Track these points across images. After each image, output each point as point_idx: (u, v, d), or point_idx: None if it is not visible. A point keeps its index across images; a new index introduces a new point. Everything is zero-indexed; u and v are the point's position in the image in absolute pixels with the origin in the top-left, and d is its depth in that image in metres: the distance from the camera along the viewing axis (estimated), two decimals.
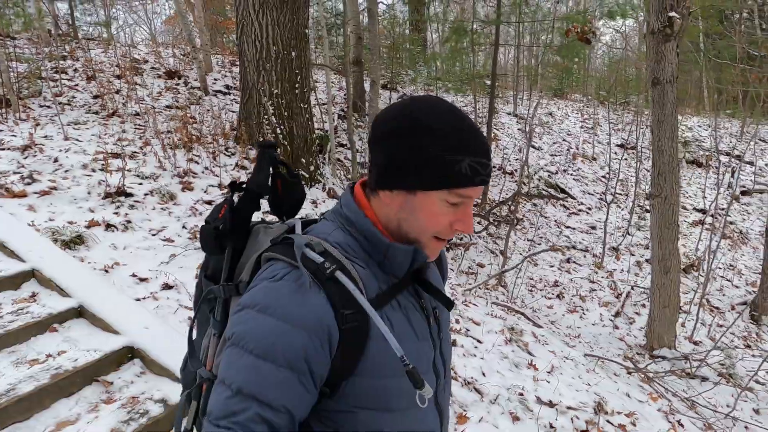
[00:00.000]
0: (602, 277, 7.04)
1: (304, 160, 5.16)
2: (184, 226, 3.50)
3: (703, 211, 10.63)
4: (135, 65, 7.41)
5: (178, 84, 7.34)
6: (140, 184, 3.89)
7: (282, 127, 4.98)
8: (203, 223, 0.86)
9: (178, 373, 2.20)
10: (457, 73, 10.06)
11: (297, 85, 5.05)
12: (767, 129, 15.47)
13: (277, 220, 0.93)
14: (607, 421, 2.88)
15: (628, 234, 8.94)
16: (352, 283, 0.69)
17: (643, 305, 6.39)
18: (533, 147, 11.01)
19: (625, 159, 11.85)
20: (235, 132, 5.35)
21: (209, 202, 3.91)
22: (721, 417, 4.02)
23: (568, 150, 11.31)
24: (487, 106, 11.51)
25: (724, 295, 7.68)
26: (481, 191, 0.78)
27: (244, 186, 0.88)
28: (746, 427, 4.11)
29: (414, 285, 0.82)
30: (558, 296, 6.14)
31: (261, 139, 4.79)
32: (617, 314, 5.95)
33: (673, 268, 4.78)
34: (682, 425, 3.21)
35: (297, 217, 0.91)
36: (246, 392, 0.64)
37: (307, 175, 5.16)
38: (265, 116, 4.95)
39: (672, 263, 4.77)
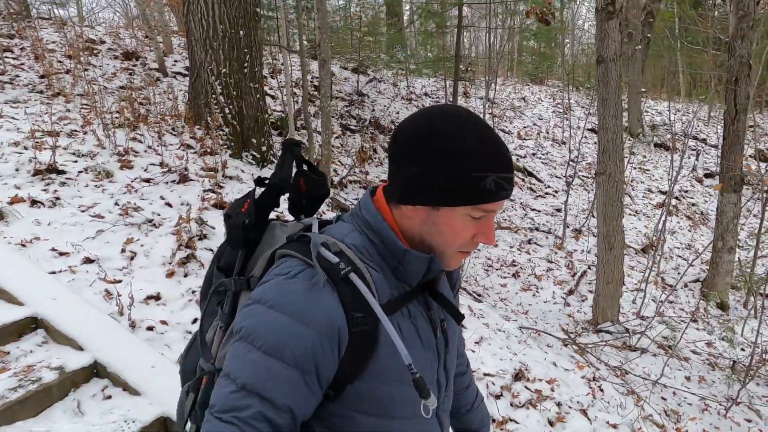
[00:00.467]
0: (561, 257, 7.15)
1: (254, 140, 5.13)
2: (116, 203, 3.48)
3: (663, 193, 10.84)
4: (90, 46, 7.27)
5: (135, 65, 7.22)
6: (75, 162, 3.85)
7: (230, 107, 4.95)
8: (226, 218, 0.85)
9: (83, 342, 2.21)
10: (423, 56, 10.03)
11: (246, 65, 5.01)
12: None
13: (293, 219, 0.92)
14: (525, 387, 2.96)
15: (592, 216, 9.08)
16: (366, 287, 0.68)
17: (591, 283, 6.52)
18: (503, 131, 11.07)
19: (595, 143, 11.98)
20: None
21: (147, 180, 3.88)
22: (650, 384, 4.15)
23: (538, 134, 11.40)
24: (461, 89, 11.53)
25: (678, 273, 7.86)
26: (503, 204, 0.79)
27: (267, 181, 0.87)
28: (674, 393, 4.26)
29: (425, 295, 0.81)
30: (514, 275, 6.23)
31: (209, 118, 4.79)
32: (570, 292, 6.07)
33: (617, 245, 4.87)
34: (602, 390, 3.31)
35: (314, 216, 0.90)
36: (250, 388, 0.63)
37: (258, 156, 5.15)
38: (213, 96, 4.91)
39: (616, 240, 4.87)
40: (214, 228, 3.45)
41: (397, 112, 9.62)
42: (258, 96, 5.21)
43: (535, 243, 7.49)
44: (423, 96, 10.98)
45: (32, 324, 2.28)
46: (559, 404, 2.90)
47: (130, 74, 6.78)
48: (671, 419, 3.61)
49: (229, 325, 0.80)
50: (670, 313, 6.47)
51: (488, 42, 12.34)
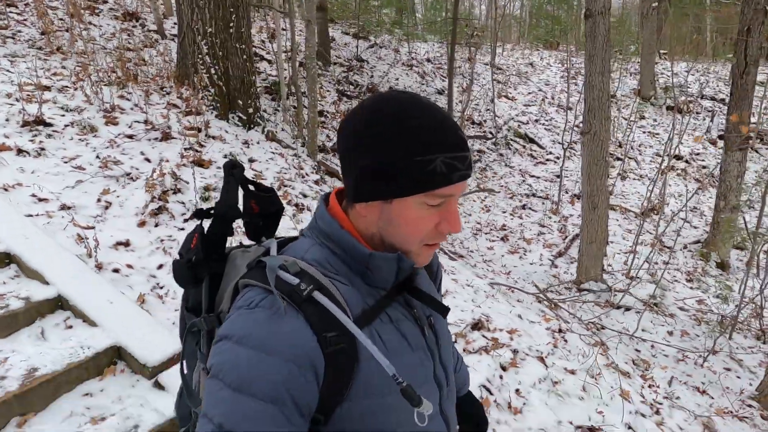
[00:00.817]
0: (554, 222, 7.14)
1: (241, 102, 5.19)
2: (98, 156, 3.61)
3: (678, 157, 10.60)
4: (92, 5, 7.35)
5: (135, 26, 7.29)
6: (63, 116, 3.97)
7: (216, 67, 5.00)
8: (176, 258, 0.81)
9: (49, 277, 2.36)
10: (426, 20, 9.85)
11: (232, 24, 5.02)
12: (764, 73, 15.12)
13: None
14: (482, 336, 3.05)
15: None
16: (333, 303, 0.65)
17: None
18: (507, 98, 10.89)
19: None
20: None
21: (131, 137, 3.99)
22: (625, 337, 4.20)
23: (543, 100, 11.18)
24: (466, 55, 11.33)
25: (680, 235, 7.78)
26: (465, 186, 0.71)
27: (213, 212, 0.83)
28: (652, 346, 4.31)
29: (404, 295, 0.78)
30: (502, 239, 6.27)
31: (195, 78, 4.84)
32: (560, 254, 6.08)
33: (601, 204, 4.85)
34: (566, 340, 3.37)
35: (275, 236, 0.87)
36: (228, 428, 0.60)
37: (244, 117, 5.21)
38: (199, 56, 4.96)
39: (599, 199, 4.85)
40: (187, 183, 3.56)
41: (397, 78, 9.54)
42: (245, 57, 5.23)
43: (530, 208, 7.48)
44: (425, 62, 10.83)
45: (6, 259, 2.43)
46: (515, 351, 2.99)
47: (129, 35, 6.86)
48: (639, 368, 3.68)
49: None
50: (665, 274, 6.46)
51: (494, 4, 12.02)
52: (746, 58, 6.34)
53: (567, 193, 8.27)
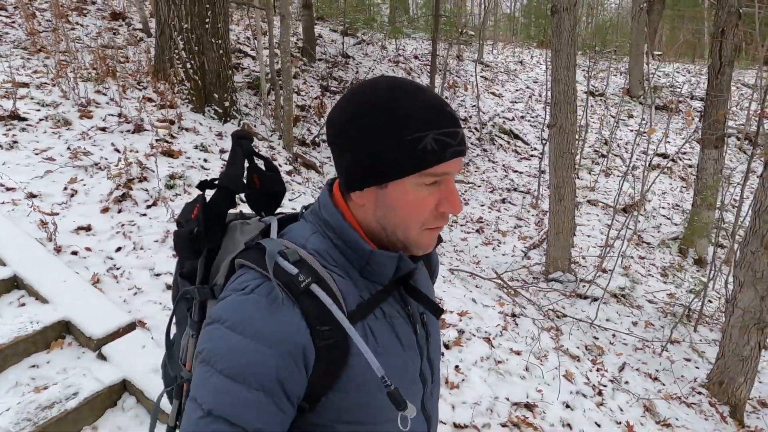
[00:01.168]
0: (532, 216, 7.24)
1: (217, 96, 5.31)
2: (69, 148, 3.72)
3: (664, 156, 10.69)
4: (80, 6, 7.47)
5: (120, 25, 7.41)
6: (38, 110, 4.09)
7: (192, 61, 5.11)
8: (175, 226, 0.80)
9: (6, 259, 2.47)
10: (405, 15, 9.95)
11: (208, 20, 5.14)
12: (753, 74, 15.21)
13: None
14: None
15: (578, 178, 9.08)
16: (330, 298, 0.65)
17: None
18: (494, 94, 10.99)
19: (591, 106, 11.81)
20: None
21: (103, 129, 4.11)
22: (585, 325, 4.31)
23: (530, 97, 11.27)
24: (454, 52, 11.42)
25: (659, 231, 7.88)
26: (460, 163, 0.70)
27: (216, 182, 0.82)
28: (614, 335, 4.41)
29: (400, 291, 0.77)
30: (477, 231, 6.37)
31: (171, 73, 4.97)
32: (534, 246, 6.18)
33: (567, 196, 4.96)
34: (517, 324, 3.48)
35: (276, 212, 0.85)
36: (217, 413, 0.61)
37: (220, 111, 5.33)
38: (176, 51, 5.08)
39: (566, 191, 4.95)
40: (153, 171, 3.68)
41: (382, 74, 9.65)
42: (221, 52, 5.35)
43: (510, 202, 7.58)
44: (412, 58, 10.92)
45: None
46: (461, 331, 3.09)
47: (114, 33, 6.98)
48: (591, 353, 3.78)
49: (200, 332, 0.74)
50: (639, 268, 6.56)
51: (484, 5, 12.11)
52: (721, 59, 6.44)
53: (549, 188, 8.37)
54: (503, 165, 8.91)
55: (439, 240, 0.80)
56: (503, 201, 7.56)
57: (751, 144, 11.57)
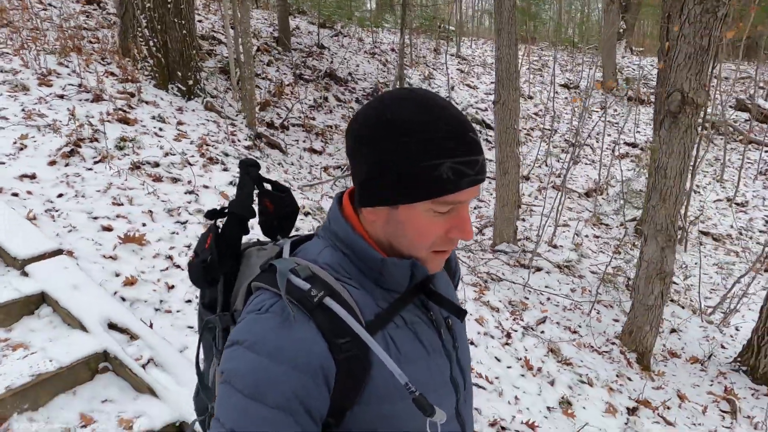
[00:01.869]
0: (494, 198, 7.48)
1: (180, 74, 5.55)
2: (23, 110, 3.95)
3: (633, 145, 10.99)
4: None
5: (95, 9, 7.65)
6: None
7: (155, 39, 5.36)
8: (191, 257, 0.82)
9: None
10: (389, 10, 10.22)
11: (170, 1, 5.39)
12: (734, 68, 15.56)
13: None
14: None
15: (545, 165, 9.35)
16: (344, 309, 0.65)
17: (523, 219, 6.87)
18: (468, 86, 11.26)
19: (564, 97, 12.10)
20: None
21: (61, 96, 4.35)
22: (519, 288, 4.55)
23: None
24: (432, 45, 11.71)
25: (617, 214, 8.14)
26: (477, 192, 0.69)
27: (227, 210, 0.83)
28: (548, 298, 4.65)
29: (420, 297, 0.76)
30: None
31: (135, 50, 5.07)
32: (489, 224, 6.43)
33: (511, 170, 5.21)
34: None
35: (291, 235, 0.87)
36: None
37: (184, 88, 5.57)
38: (139, 29, 5.32)
39: (510, 165, 5.20)
40: (105, 134, 3.92)
41: (357, 65, 9.90)
42: (185, 32, 5.59)
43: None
44: (389, 51, 11.19)
45: None
46: None
47: (87, 16, 7.22)
48: (514, 307, 4.02)
49: None
50: (591, 245, 6.82)
51: (459, 2, 12.39)
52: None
53: (495, 162, 8.64)
54: None
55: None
56: None
57: (712, 128, 11.87)
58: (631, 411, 2.97)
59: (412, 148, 0.64)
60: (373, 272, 0.71)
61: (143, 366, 2.08)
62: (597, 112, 12.26)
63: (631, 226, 7.83)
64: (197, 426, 0.92)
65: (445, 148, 0.64)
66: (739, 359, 3.97)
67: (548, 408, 2.75)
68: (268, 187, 0.89)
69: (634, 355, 3.77)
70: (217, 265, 0.80)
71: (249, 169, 0.85)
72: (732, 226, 8.51)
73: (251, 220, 0.85)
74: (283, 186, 0.89)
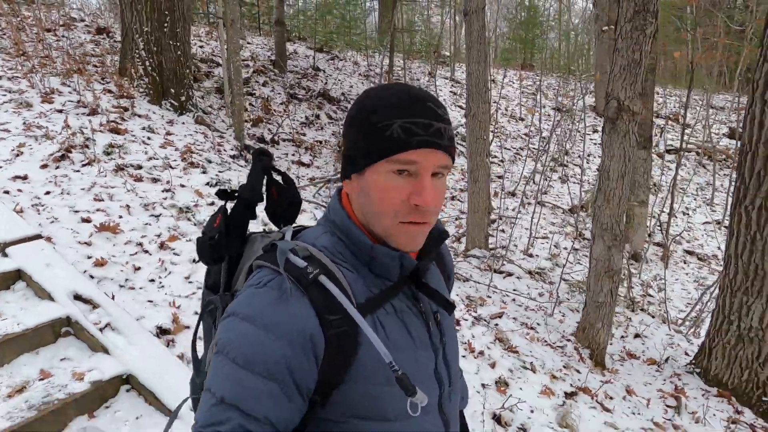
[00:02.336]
0: None
1: (173, 90, 5.96)
2: (24, 123, 4.33)
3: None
4: (68, 22, 8.29)
5: (104, 38, 8.20)
6: (4, 95, 4.74)
7: (151, 60, 5.79)
8: (200, 235, 0.86)
9: None
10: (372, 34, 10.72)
11: (166, 25, 5.84)
12: (722, 98, 15.86)
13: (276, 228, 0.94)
14: None
15: (533, 182, 9.59)
16: (337, 288, 0.68)
17: (503, 230, 7.08)
18: (461, 107, 11.64)
19: (557, 120, 12.43)
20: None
21: (60, 111, 4.74)
22: (482, 287, 4.74)
23: (496, 110, 11.92)
24: (427, 69, 12.19)
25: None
26: (436, 157, 0.71)
27: (237, 194, 0.88)
28: (513, 299, 4.83)
29: (411, 288, 0.79)
30: None
31: (132, 70, 5.47)
32: (463, 235, 6.65)
33: (481, 178, 5.46)
34: None
35: (292, 225, 0.91)
36: (228, 402, 0.63)
37: (176, 104, 5.97)
38: (137, 50, 5.76)
39: (480, 174, 5.46)
40: (95, 141, 4.27)
41: (351, 86, 10.34)
42: (179, 53, 6.02)
43: (458, 199, 8.08)
44: (385, 74, 11.65)
45: None
46: None
47: (96, 45, 7.74)
48: (471, 301, 4.21)
49: None
50: (570, 257, 6.98)
51: (454, 27, 12.92)
52: None
53: (503, 190, 8.89)
54: (462, 170, 9.44)
55: (440, 241, 0.83)
56: (452, 198, 8.07)
57: (705, 154, 12.05)
58: (569, 395, 3.13)
59: (367, 113, 0.72)
60: (366, 256, 0.75)
61: (101, 329, 2.33)
62: (589, 134, 12.58)
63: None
64: (189, 402, 0.92)
65: (397, 108, 0.70)
66: (693, 362, 4.09)
67: (483, 385, 2.92)
68: (277, 177, 0.94)
69: (587, 351, 3.92)
70: (224, 243, 0.85)
71: (261, 157, 0.90)
72: (719, 248, 8.62)
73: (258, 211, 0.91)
74: (290, 178, 0.94)
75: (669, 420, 3.29)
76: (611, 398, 3.36)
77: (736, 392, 3.64)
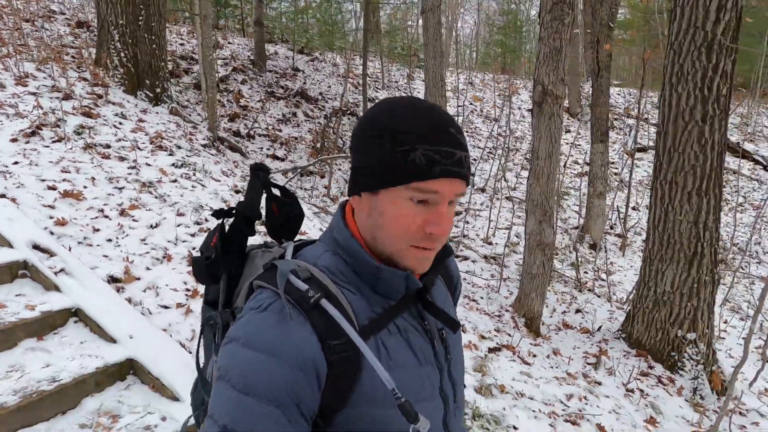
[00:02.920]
0: None
1: (148, 82, 6.24)
2: None
3: (588, 162, 11.63)
4: (49, 14, 8.55)
5: (84, 32, 8.47)
6: None
7: (126, 51, 6.07)
8: (196, 254, 0.91)
9: None
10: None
11: (141, 18, 6.13)
12: None
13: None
14: None
15: (504, 180, 9.96)
16: (339, 312, 0.67)
17: (467, 222, 7.41)
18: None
19: (529, 122, 12.87)
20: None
21: (34, 94, 5.00)
22: None
23: (472, 112, 12.32)
24: (406, 72, 12.56)
25: (569, 225, 8.69)
26: (455, 186, 0.70)
27: (234, 211, 0.87)
28: (464, 279, 5.14)
29: (417, 306, 0.78)
30: None
31: (107, 61, 5.72)
32: None
33: None
34: None
35: (295, 239, 0.89)
36: (231, 429, 0.63)
37: (151, 95, 6.24)
38: (112, 42, 6.05)
39: None
40: (66, 121, 4.53)
41: (329, 86, 10.68)
42: (154, 46, 6.31)
43: None
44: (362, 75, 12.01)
45: None
46: None
47: (75, 37, 8.00)
48: None
49: None
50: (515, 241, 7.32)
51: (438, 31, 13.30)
52: (599, 64, 7.44)
53: (473, 186, 9.23)
54: None
55: (444, 258, 0.81)
56: None
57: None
58: (492, 350, 3.44)
59: (389, 135, 0.69)
60: (370, 277, 0.73)
61: (55, 273, 2.60)
62: (564, 138, 13.04)
63: (573, 232, 8.37)
64: (191, 421, 0.93)
65: (420, 135, 0.68)
66: (620, 328, 4.43)
67: None
68: (277, 192, 0.93)
69: (523, 320, 4.23)
70: (220, 262, 0.84)
71: (258, 173, 0.89)
72: None
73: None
74: (290, 192, 0.93)
75: (583, 372, 3.61)
76: (535, 356, 3.67)
77: (652, 351, 3.97)
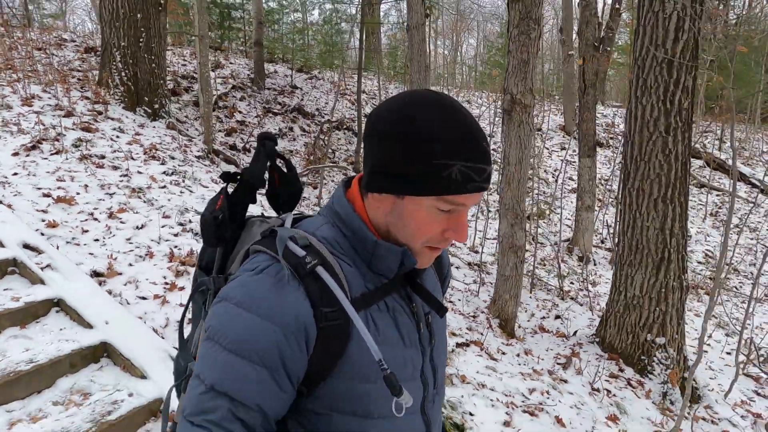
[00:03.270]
0: None
1: (147, 99, 6.55)
2: (2, 120, 4.87)
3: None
4: (59, 42, 8.99)
5: (92, 56, 8.87)
6: None
7: (126, 71, 6.40)
8: (201, 216, 0.85)
9: None
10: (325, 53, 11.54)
11: (142, 40, 6.48)
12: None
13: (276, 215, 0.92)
14: None
15: (497, 193, 10.12)
16: (334, 280, 0.68)
17: None
18: None
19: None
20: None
21: (37, 112, 5.30)
22: None
23: None
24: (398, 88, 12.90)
25: (555, 235, 8.80)
26: (478, 198, 0.73)
27: (239, 176, 0.88)
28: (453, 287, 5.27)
29: (406, 288, 0.79)
30: None
31: (109, 80, 5.99)
32: None
33: None
34: None
35: (293, 212, 0.89)
36: (219, 388, 0.63)
37: (150, 111, 6.55)
38: (113, 62, 6.38)
39: None
40: (65, 135, 4.80)
41: (326, 103, 11.01)
42: (154, 66, 6.65)
43: None
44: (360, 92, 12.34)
45: None
46: None
47: (83, 61, 8.40)
48: None
49: None
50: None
51: (433, 51, 13.67)
52: (585, 82, 7.68)
53: None
54: None
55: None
56: None
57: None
58: (459, 345, 3.56)
59: (429, 145, 0.67)
60: (366, 252, 0.74)
61: (42, 269, 2.80)
62: (556, 151, 13.25)
63: (563, 245, 8.48)
64: (173, 392, 0.93)
65: (459, 151, 0.68)
66: (594, 333, 4.53)
67: None
68: (280, 163, 0.93)
69: (497, 321, 4.36)
70: (228, 223, 0.84)
71: (265, 142, 0.88)
72: None
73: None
74: (292, 165, 0.94)
75: (550, 370, 3.71)
76: (504, 353, 3.78)
77: (623, 355, 4.06)
